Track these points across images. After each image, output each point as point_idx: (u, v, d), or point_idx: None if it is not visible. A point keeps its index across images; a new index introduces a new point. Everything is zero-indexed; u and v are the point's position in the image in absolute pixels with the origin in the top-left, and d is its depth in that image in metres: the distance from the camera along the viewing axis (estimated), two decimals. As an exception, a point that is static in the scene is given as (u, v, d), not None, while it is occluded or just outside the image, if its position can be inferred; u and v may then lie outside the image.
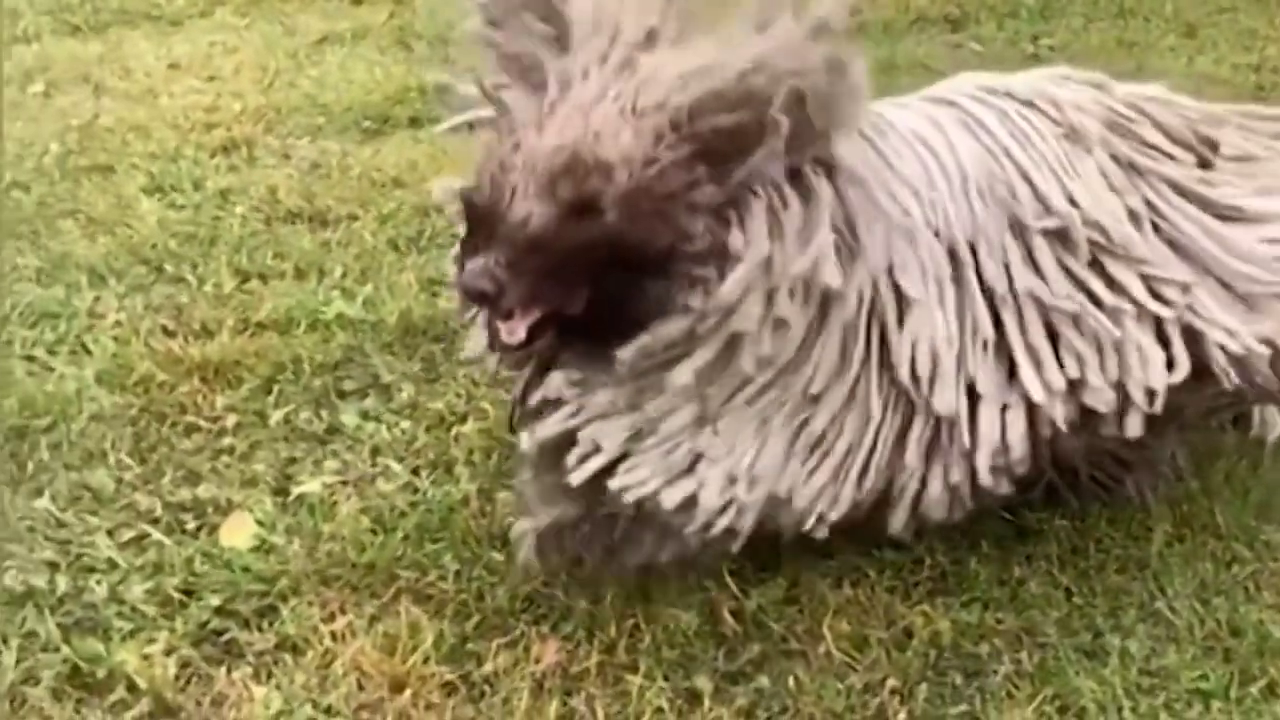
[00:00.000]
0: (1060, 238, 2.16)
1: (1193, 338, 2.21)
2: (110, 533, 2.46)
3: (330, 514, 2.51)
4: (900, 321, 2.05)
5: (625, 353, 1.94)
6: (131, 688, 2.13)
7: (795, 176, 1.94)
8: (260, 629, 2.25)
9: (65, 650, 2.19)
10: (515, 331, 1.91)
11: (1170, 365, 2.18)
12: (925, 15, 5.36)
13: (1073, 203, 2.17)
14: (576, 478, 2.05)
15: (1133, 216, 2.21)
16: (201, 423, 2.77)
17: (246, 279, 3.31)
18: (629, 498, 2.03)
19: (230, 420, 2.78)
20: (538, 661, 2.17)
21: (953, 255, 2.10)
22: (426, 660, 2.17)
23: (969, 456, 2.13)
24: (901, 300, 2.05)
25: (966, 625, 2.27)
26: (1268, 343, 2.23)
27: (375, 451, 2.69)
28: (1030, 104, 2.26)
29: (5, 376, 2.88)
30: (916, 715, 2.12)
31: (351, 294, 3.21)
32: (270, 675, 2.16)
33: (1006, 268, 2.13)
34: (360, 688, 2.14)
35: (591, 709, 2.10)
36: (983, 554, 2.39)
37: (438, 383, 2.88)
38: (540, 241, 1.86)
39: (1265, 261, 2.27)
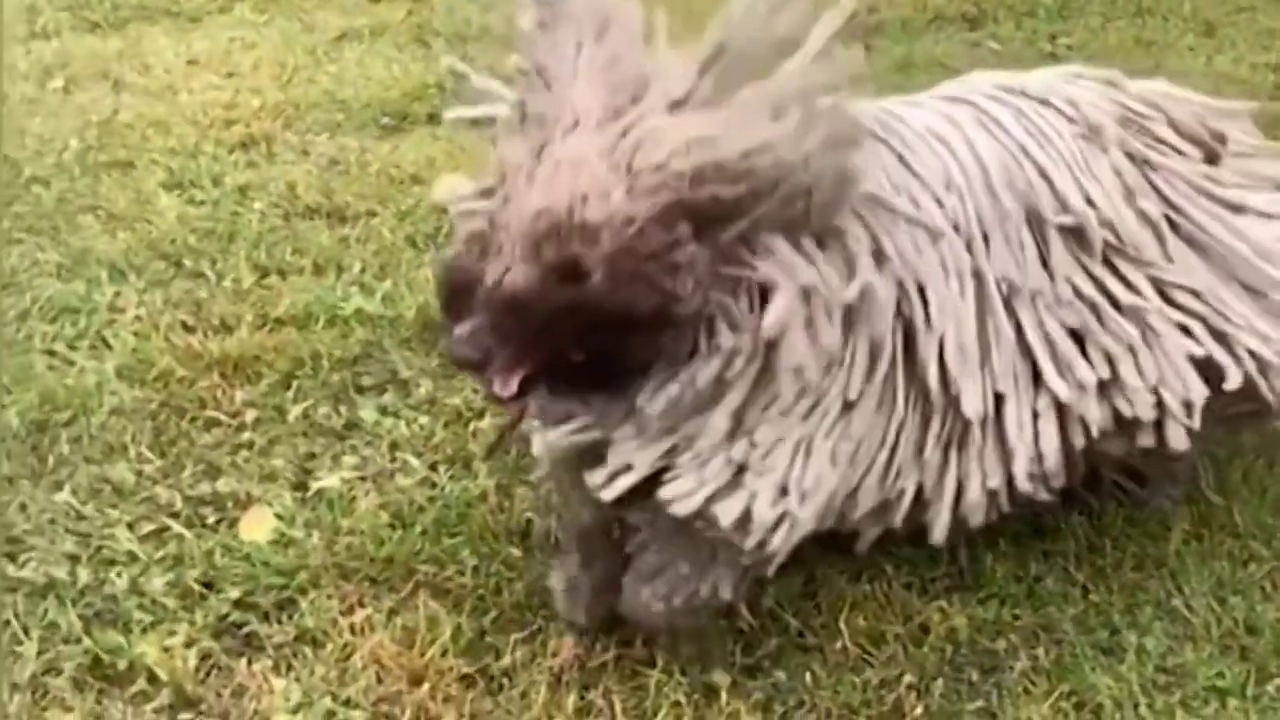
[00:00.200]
0: (1076, 236, 2.16)
1: (1222, 344, 2.22)
2: (131, 526, 2.48)
3: (349, 508, 2.52)
4: (927, 320, 2.05)
5: (652, 406, 1.91)
6: (152, 679, 2.15)
7: None
8: (280, 622, 2.27)
9: (86, 642, 2.20)
10: (508, 385, 1.87)
11: (1206, 374, 2.19)
12: (943, 14, 5.35)
13: (1089, 202, 2.17)
14: (607, 495, 1.98)
15: (1147, 219, 2.21)
16: (221, 417, 2.78)
17: (265, 274, 3.32)
18: (681, 511, 1.95)
19: (249, 415, 2.79)
20: (555, 655, 2.18)
21: (971, 250, 2.10)
22: (444, 654, 2.18)
23: (1005, 461, 2.13)
24: (926, 298, 2.05)
25: (983, 621, 2.28)
26: None
27: (394, 447, 2.70)
28: (1046, 102, 2.26)
29: (26, 370, 2.90)
30: (933, 710, 2.12)
31: (370, 290, 3.22)
32: (290, 667, 2.18)
33: (1024, 263, 2.13)
34: (379, 680, 2.15)
35: (609, 703, 2.11)
36: (1000, 551, 2.40)
37: (455, 378, 2.89)
38: (524, 305, 1.81)
39: None
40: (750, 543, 1.97)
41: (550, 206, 1.81)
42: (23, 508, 2.52)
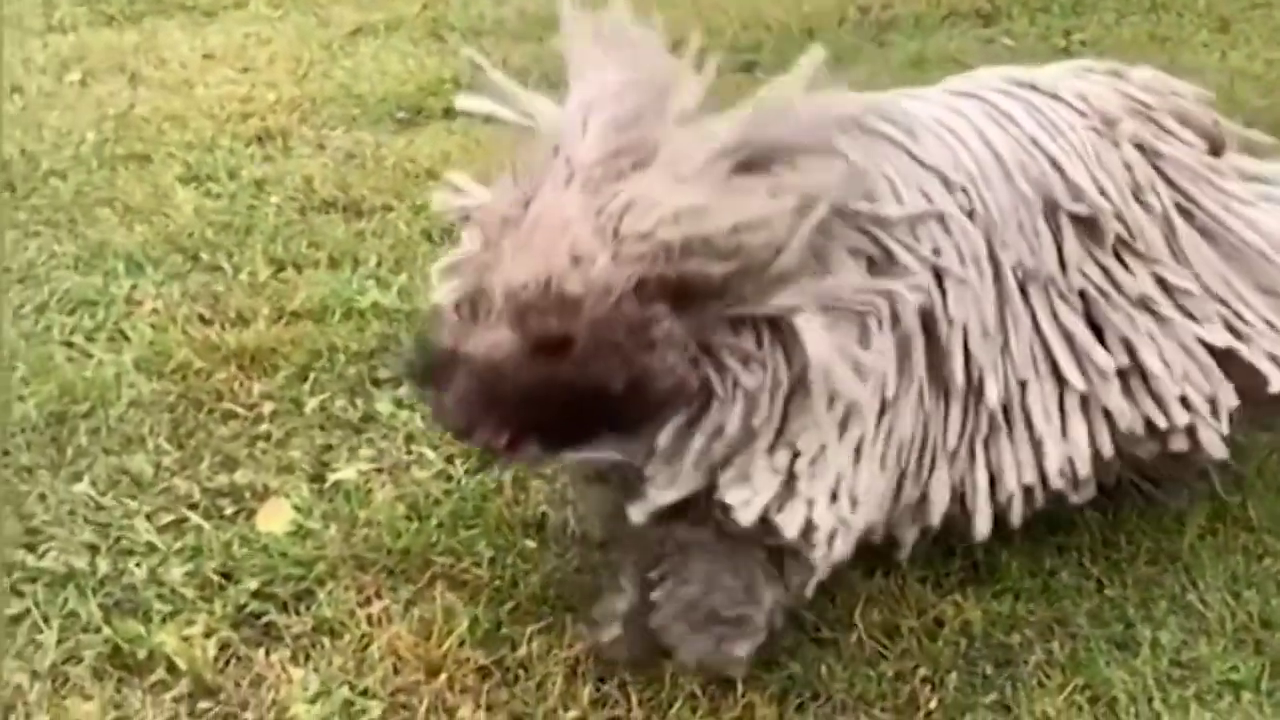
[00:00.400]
0: (1089, 226, 2.17)
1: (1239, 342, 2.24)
2: (149, 516, 2.49)
3: (366, 500, 2.54)
4: (946, 309, 2.05)
5: (680, 459, 1.89)
6: (171, 668, 2.16)
7: None
8: (298, 612, 2.28)
9: (106, 631, 2.22)
10: (497, 446, 1.88)
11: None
12: (957, 10, 5.36)
13: (1102, 194, 2.17)
14: (637, 515, 1.95)
15: (1156, 215, 2.22)
16: (238, 409, 2.80)
17: (282, 268, 3.34)
18: (745, 519, 1.92)
19: (267, 407, 2.81)
20: (571, 647, 2.19)
21: (986, 237, 2.10)
22: (461, 645, 2.20)
23: (1037, 454, 2.13)
24: (944, 288, 2.04)
25: (998, 615, 2.29)
26: None
27: (410, 439, 2.71)
28: (1056, 96, 2.27)
29: (44, 362, 2.91)
30: (947, 703, 2.13)
31: (386, 283, 3.23)
32: (308, 657, 2.19)
33: (1039, 250, 2.13)
34: (396, 671, 2.16)
35: (625, 694, 2.12)
36: (1014, 545, 2.40)
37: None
38: (504, 376, 1.80)
39: None
40: (818, 554, 1.96)
41: (534, 276, 1.78)
42: (42, 498, 2.54)
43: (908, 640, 2.23)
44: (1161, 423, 2.19)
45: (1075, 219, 2.15)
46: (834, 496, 1.95)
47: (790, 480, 1.93)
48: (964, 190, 2.10)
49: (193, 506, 2.52)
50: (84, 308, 3.15)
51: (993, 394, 2.08)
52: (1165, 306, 2.20)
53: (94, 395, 2.80)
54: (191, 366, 2.91)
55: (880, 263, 1.98)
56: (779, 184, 1.83)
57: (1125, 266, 2.20)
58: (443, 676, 2.14)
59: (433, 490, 2.55)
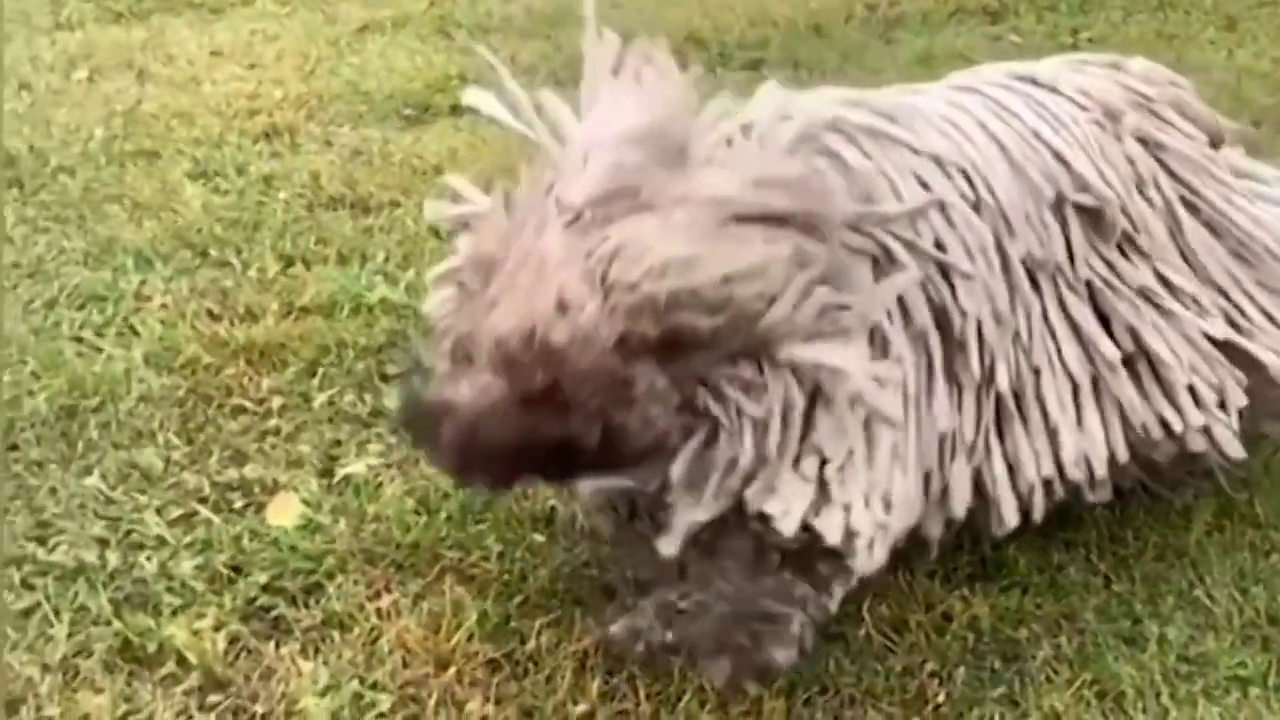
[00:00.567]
0: (1094, 217, 2.17)
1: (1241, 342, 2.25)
2: (159, 510, 2.50)
3: (375, 495, 2.54)
4: (955, 300, 2.05)
5: (702, 503, 1.88)
6: (182, 661, 2.17)
7: None
8: (307, 606, 2.29)
9: (116, 624, 2.23)
10: (492, 481, 1.89)
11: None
12: (964, 7, 5.36)
13: (1108, 186, 2.18)
14: (667, 548, 1.93)
15: (1158, 209, 2.23)
16: (247, 404, 2.81)
17: (290, 264, 3.35)
18: (787, 528, 1.91)
19: (276, 402, 2.82)
20: (580, 640, 2.20)
21: (994, 229, 2.10)
22: (470, 638, 2.20)
23: (1054, 445, 2.13)
24: (951, 281, 2.04)
25: (1005, 610, 2.29)
26: None
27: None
28: (1055, 90, 2.27)
29: (54, 357, 2.92)
30: (955, 698, 2.13)
31: (394, 279, 3.24)
32: (317, 651, 2.20)
33: (1048, 240, 2.13)
34: (405, 664, 2.17)
35: (633, 688, 2.12)
36: (1022, 540, 2.40)
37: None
38: (491, 426, 1.79)
39: None
40: (859, 560, 1.95)
41: (520, 324, 1.77)
42: (52, 492, 2.55)
43: (916, 635, 2.23)
44: (1173, 418, 2.19)
45: (1081, 210, 2.16)
46: (868, 500, 1.94)
47: (823, 487, 1.92)
48: (968, 180, 2.10)
49: (202, 501, 2.53)
50: (93, 303, 3.16)
51: (1004, 381, 2.08)
52: (1167, 299, 2.20)
53: (104, 390, 2.81)
54: (201, 362, 2.92)
55: (883, 261, 1.98)
56: (776, 232, 1.81)
57: (1128, 259, 2.20)
58: (452, 670, 2.15)
59: (441, 485, 2.55)
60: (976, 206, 2.09)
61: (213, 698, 2.12)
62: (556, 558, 2.36)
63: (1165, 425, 2.21)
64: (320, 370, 2.91)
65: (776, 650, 2.06)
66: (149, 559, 2.37)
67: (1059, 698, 2.13)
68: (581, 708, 2.09)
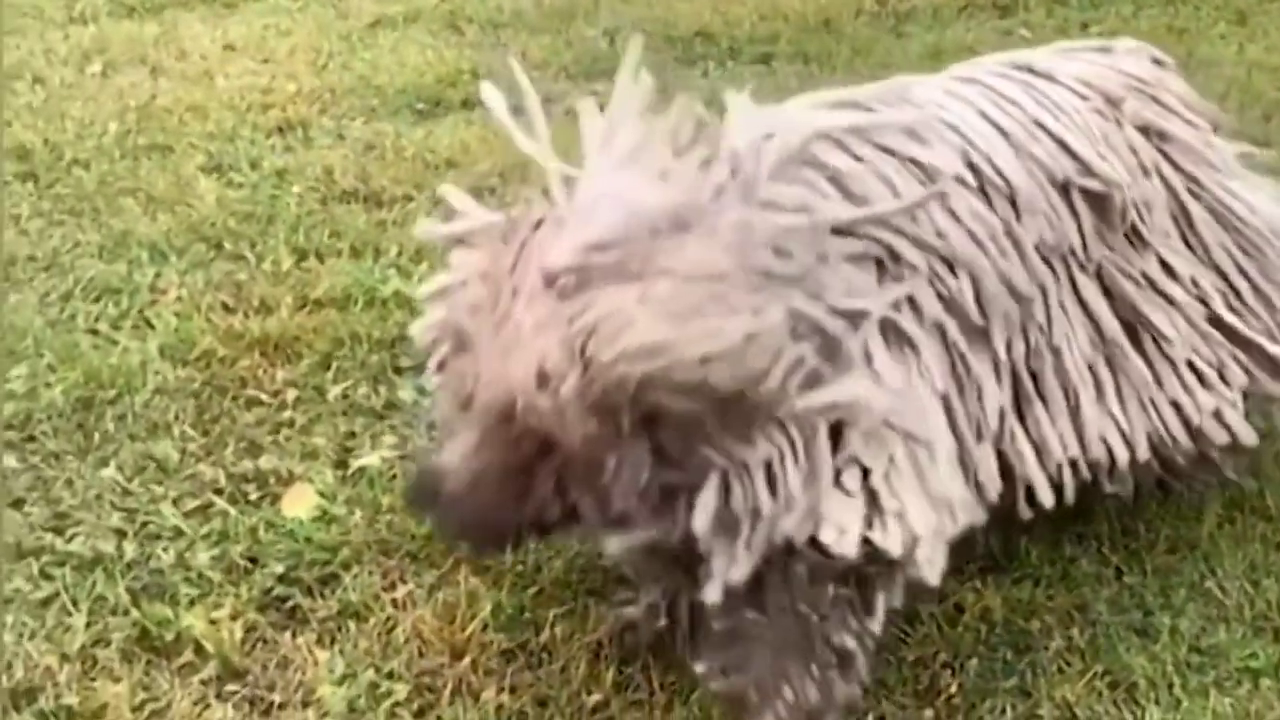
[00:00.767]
0: (1100, 203, 2.17)
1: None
2: (175, 502, 2.52)
3: (389, 486, 2.56)
4: (966, 291, 2.03)
5: (734, 560, 1.82)
6: (199, 651, 2.18)
7: None
8: (323, 596, 2.31)
9: (134, 614, 2.24)
10: (486, 546, 1.90)
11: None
12: (974, 2, 5.36)
13: (1112, 171, 2.18)
14: (711, 595, 1.86)
15: (1163, 196, 2.24)
16: (262, 396, 2.82)
17: (304, 257, 3.36)
18: (848, 549, 1.85)
19: (290, 395, 2.83)
20: (594, 631, 2.21)
21: (1004, 215, 2.08)
22: (485, 628, 2.22)
23: (1077, 425, 2.13)
24: (957, 273, 2.03)
25: (1018, 602, 2.30)
26: None
27: (432, 426, 2.73)
28: (1053, 79, 2.27)
29: (70, 350, 2.94)
30: (967, 689, 2.14)
31: (407, 273, 3.25)
32: (333, 640, 2.22)
33: (1058, 223, 2.13)
34: (421, 654, 2.18)
35: (647, 678, 2.14)
36: (1034, 532, 2.41)
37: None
38: (481, 490, 1.79)
39: None
40: (925, 570, 1.90)
41: (503, 396, 1.74)
42: (69, 483, 2.56)
43: (928, 626, 2.24)
44: (1185, 400, 2.20)
45: (1087, 195, 2.16)
46: (923, 502, 1.90)
47: (873, 498, 1.87)
48: (971, 168, 2.08)
49: (218, 492, 2.54)
50: (108, 296, 3.17)
51: (1021, 362, 2.08)
52: (1169, 284, 2.22)
53: (119, 382, 2.83)
54: (216, 354, 2.93)
55: (888, 261, 1.96)
56: (767, 297, 1.75)
57: (1132, 244, 2.21)
58: (467, 659, 2.17)
59: (456, 477, 2.57)
60: (984, 194, 2.08)
61: (230, 687, 2.14)
62: (571, 549, 2.37)
63: (1178, 409, 2.21)
64: (334, 363, 2.93)
65: (841, 687, 2.01)
66: (166, 550, 2.39)
67: (1071, 689, 2.14)
68: (595, 697, 2.11)
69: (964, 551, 2.33)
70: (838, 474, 1.86)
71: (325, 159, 3.92)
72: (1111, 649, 2.21)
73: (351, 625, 2.24)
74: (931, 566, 1.91)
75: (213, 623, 2.22)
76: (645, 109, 1.92)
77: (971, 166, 2.09)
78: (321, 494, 2.53)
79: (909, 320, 1.97)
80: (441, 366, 1.94)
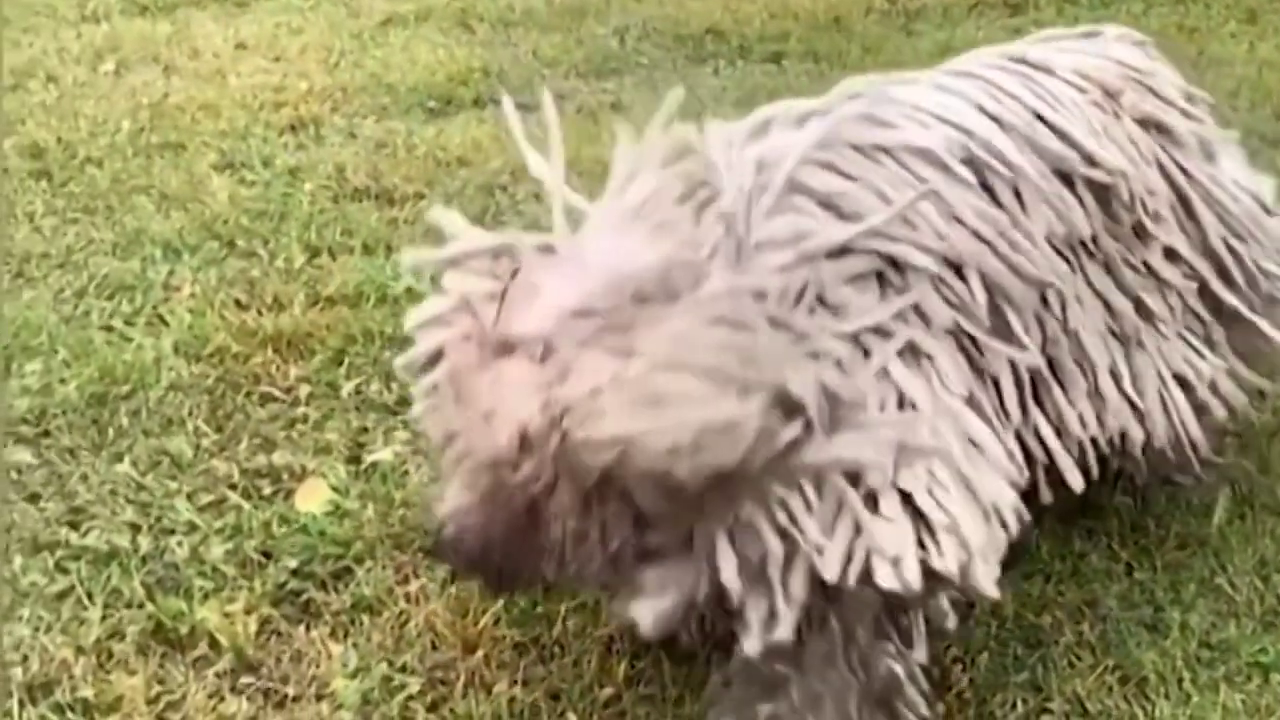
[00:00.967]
0: (1103, 193, 2.17)
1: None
2: (190, 496, 2.53)
3: (402, 481, 2.57)
4: (971, 287, 2.03)
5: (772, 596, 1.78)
6: (213, 644, 2.20)
7: None
8: (336, 590, 2.32)
9: (149, 607, 2.26)
10: (488, 585, 1.89)
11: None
12: (985, 0, 5.37)
13: (1114, 161, 2.19)
14: (751, 648, 1.80)
15: (1164, 188, 2.25)
16: (275, 392, 2.84)
17: (316, 254, 3.38)
18: (910, 582, 1.77)
19: (303, 390, 2.85)
20: (606, 625, 2.22)
21: (1009, 209, 2.07)
22: (498, 622, 2.23)
23: (1096, 407, 2.13)
24: (965, 277, 2.01)
25: (1028, 597, 2.31)
26: None
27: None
28: (1050, 72, 2.26)
29: (85, 346, 2.96)
30: (979, 683, 2.15)
31: (419, 270, 3.26)
32: (347, 634, 2.23)
33: (1065, 211, 2.12)
34: (434, 647, 2.20)
35: (659, 672, 2.15)
36: (1045, 528, 2.41)
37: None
38: (473, 542, 1.78)
39: None
40: (985, 587, 1.84)
41: (486, 458, 1.73)
42: (84, 478, 2.58)
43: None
44: (1186, 370, 2.22)
45: (1091, 185, 2.16)
46: (973, 510, 1.85)
47: (918, 519, 1.81)
48: (970, 165, 2.06)
49: (232, 487, 2.56)
50: (122, 293, 3.19)
51: (1036, 348, 2.06)
52: (1171, 271, 2.22)
53: (134, 378, 2.84)
54: (229, 350, 2.95)
55: (889, 272, 1.93)
56: (746, 383, 1.69)
57: (1137, 234, 2.21)
58: (479, 653, 2.18)
59: (468, 472, 2.58)
60: (986, 188, 2.06)
61: (244, 679, 2.15)
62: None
63: (1182, 382, 2.22)
64: (347, 359, 2.94)
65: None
66: (180, 544, 2.41)
67: (1082, 683, 2.14)
68: (608, 691, 2.12)
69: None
70: (874, 503, 1.80)
71: (337, 157, 3.94)
72: (1122, 644, 2.22)
73: (365, 619, 2.26)
74: (990, 584, 1.85)
75: (227, 616, 2.23)
76: (668, 160, 1.90)
77: (971, 161, 2.06)
78: (334, 489, 2.54)
79: (919, 331, 1.94)
80: (431, 413, 1.92)
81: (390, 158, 3.96)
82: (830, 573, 1.77)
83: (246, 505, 2.50)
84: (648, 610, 1.80)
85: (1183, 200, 2.27)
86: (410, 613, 2.26)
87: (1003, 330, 2.03)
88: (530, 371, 1.72)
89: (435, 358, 1.89)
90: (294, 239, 3.43)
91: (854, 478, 1.80)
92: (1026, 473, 2.04)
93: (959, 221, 2.02)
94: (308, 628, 2.24)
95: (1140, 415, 2.18)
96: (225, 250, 3.40)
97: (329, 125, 4.20)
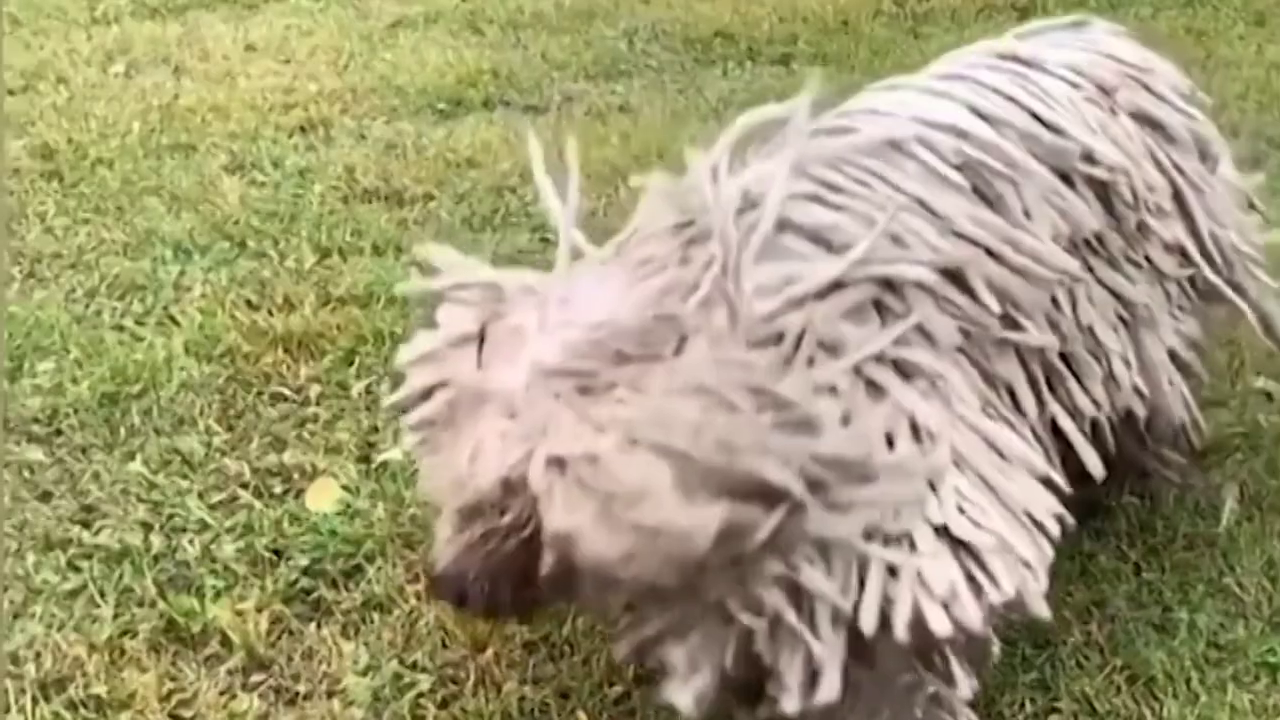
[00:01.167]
0: (1101, 189, 2.17)
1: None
2: (201, 495, 2.55)
3: (412, 480, 2.57)
4: (977, 294, 2.02)
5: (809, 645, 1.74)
6: (225, 642, 2.21)
7: None
8: (347, 588, 2.33)
9: (161, 605, 2.27)
10: (488, 617, 1.91)
11: None
12: (993, 3, 5.37)
13: (1111, 157, 2.19)
14: (790, 707, 1.76)
15: (1160, 183, 2.26)
16: (286, 392, 2.85)
17: (326, 255, 3.39)
18: (975, 622, 1.75)
19: (314, 390, 2.86)
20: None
21: (1008, 211, 2.05)
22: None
23: (1109, 392, 2.13)
24: (969, 284, 1.97)
25: (1036, 597, 2.31)
26: None
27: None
28: (1044, 69, 2.25)
29: (96, 345, 2.98)
30: (987, 683, 2.14)
31: (429, 270, 3.27)
32: (358, 632, 2.24)
33: (1068, 208, 2.11)
34: (444, 645, 2.21)
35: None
36: (1052, 528, 2.43)
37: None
38: (461, 576, 1.75)
39: None
40: (1036, 605, 1.83)
41: (471, 500, 1.72)
42: (96, 477, 2.59)
43: (947, 620, 2.25)
44: (1176, 342, 2.25)
45: (1091, 182, 2.16)
46: (1014, 521, 1.82)
47: (958, 548, 1.77)
48: (967, 166, 2.04)
49: (243, 486, 2.57)
50: (134, 293, 3.21)
51: (1050, 345, 2.05)
52: (1168, 261, 2.24)
53: (145, 377, 2.86)
54: (240, 350, 2.96)
55: (886, 297, 1.90)
56: (722, 473, 1.64)
57: (1139, 229, 2.22)
58: (490, 651, 2.18)
59: (478, 472, 2.59)
60: (988, 190, 2.04)
61: (256, 677, 2.16)
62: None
63: (1174, 356, 2.25)
64: (357, 359, 2.95)
65: None
66: (192, 542, 2.42)
67: (1090, 683, 2.15)
68: (617, 689, 2.13)
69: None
70: (908, 541, 1.76)
71: (347, 158, 3.95)
72: (1130, 644, 2.22)
73: (375, 617, 2.27)
74: (1037, 598, 1.83)
75: (238, 614, 2.25)
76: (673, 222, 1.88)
77: (967, 164, 2.04)
78: (345, 488, 2.56)
79: (924, 352, 1.90)
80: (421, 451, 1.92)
81: (400, 159, 3.97)
82: (868, 624, 1.73)
83: (258, 504, 2.51)
84: (686, 694, 1.76)
85: (1177, 194, 2.28)
86: (421, 611, 2.27)
87: (1013, 331, 2.02)
88: (507, 423, 1.71)
89: (426, 394, 1.87)
90: (304, 240, 3.45)
91: (870, 533, 1.75)
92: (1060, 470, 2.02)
93: (954, 229, 1.98)
94: (319, 626, 2.25)
95: (1142, 395, 2.19)
96: (236, 251, 3.42)
97: (339, 127, 4.21)
